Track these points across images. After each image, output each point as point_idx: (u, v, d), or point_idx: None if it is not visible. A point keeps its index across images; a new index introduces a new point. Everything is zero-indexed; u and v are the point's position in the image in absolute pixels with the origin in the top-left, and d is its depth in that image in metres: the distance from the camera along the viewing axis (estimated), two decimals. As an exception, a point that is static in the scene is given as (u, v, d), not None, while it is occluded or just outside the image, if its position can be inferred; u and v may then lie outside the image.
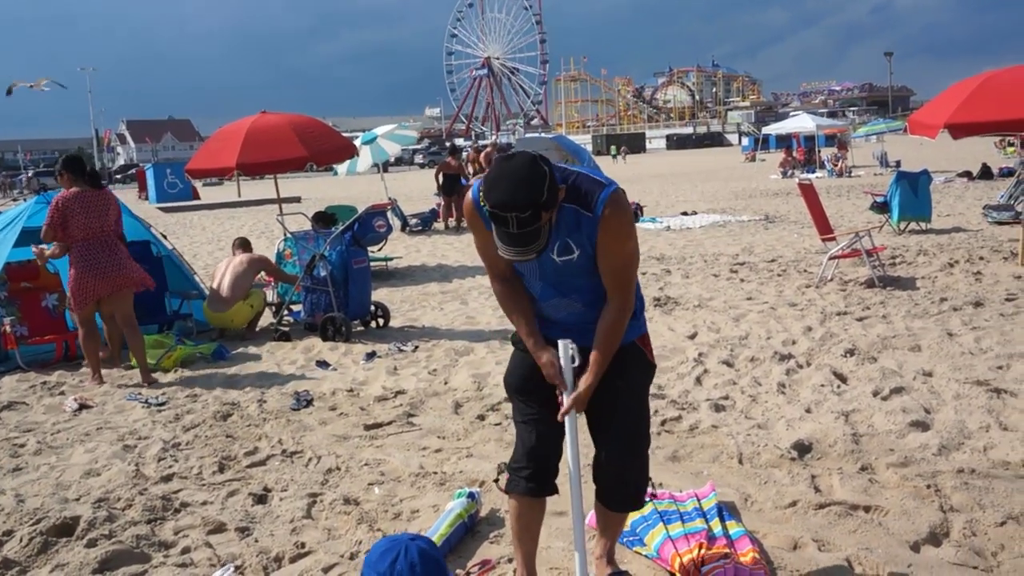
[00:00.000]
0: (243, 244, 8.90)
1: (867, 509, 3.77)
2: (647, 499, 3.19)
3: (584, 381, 2.80)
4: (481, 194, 2.56)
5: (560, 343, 2.81)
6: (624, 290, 2.78)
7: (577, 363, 2.81)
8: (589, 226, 2.66)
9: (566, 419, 2.83)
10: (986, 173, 22.66)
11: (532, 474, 2.91)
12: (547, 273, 2.80)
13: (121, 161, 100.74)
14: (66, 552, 3.73)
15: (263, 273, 9.71)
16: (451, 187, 17.43)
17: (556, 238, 2.69)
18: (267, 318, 8.81)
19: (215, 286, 8.19)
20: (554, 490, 2.98)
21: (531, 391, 2.93)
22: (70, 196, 6.49)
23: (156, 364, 7.06)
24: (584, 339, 2.82)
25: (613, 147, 64.33)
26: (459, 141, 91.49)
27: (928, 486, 3.94)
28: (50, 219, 6.43)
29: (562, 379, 2.81)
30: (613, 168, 21.75)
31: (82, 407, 6.09)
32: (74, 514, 4.04)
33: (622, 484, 2.97)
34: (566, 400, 2.81)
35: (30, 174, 59.88)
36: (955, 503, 3.79)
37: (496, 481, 3.04)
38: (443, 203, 18.57)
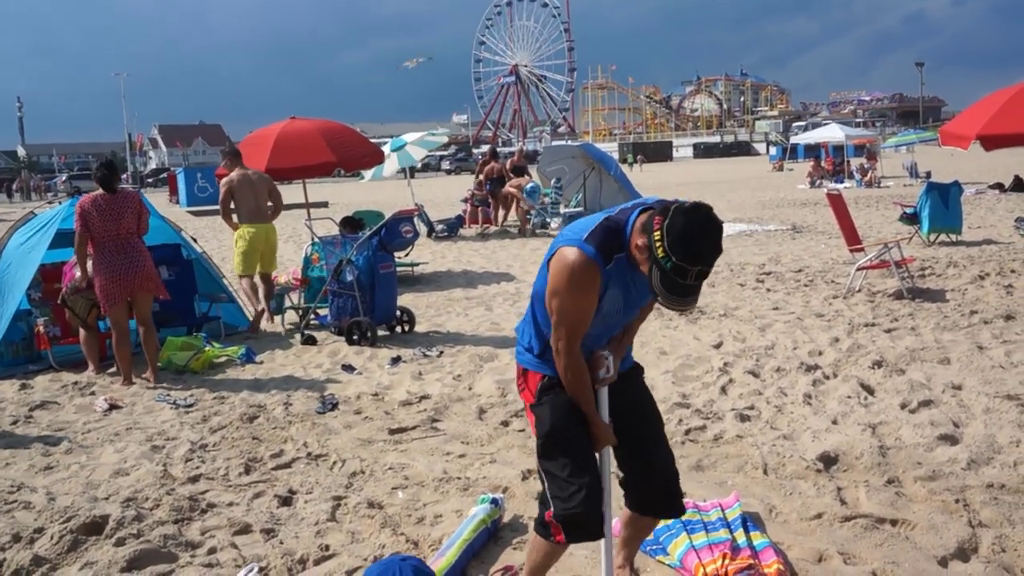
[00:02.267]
0: (236, 154, 8.87)
1: (894, 523, 3.74)
2: None
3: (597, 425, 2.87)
4: (664, 244, 2.47)
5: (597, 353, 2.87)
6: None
7: (611, 372, 2.87)
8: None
9: (603, 469, 2.91)
10: (1018, 185, 22.34)
11: (599, 524, 2.81)
12: (618, 321, 2.90)
13: (153, 165, 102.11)
14: (95, 550, 3.78)
15: (291, 277, 9.81)
16: (493, 189, 17.71)
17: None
18: (291, 318, 8.88)
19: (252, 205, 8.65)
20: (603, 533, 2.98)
21: (581, 429, 2.84)
22: (87, 200, 6.65)
23: (185, 366, 7.14)
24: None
25: (629, 155, 64.19)
26: (486, 148, 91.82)
27: (956, 500, 3.90)
28: (75, 223, 6.62)
29: (610, 438, 2.87)
30: (631, 176, 21.76)
31: (112, 407, 6.17)
32: (103, 513, 4.10)
33: (675, 488, 3.00)
34: (602, 406, 2.88)
35: (64, 177, 60.76)
36: (984, 518, 3.75)
37: (545, 532, 2.84)
38: (469, 209, 18.64)
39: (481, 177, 18.50)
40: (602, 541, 2.89)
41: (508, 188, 17.59)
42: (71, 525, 3.96)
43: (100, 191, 6.69)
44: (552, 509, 2.79)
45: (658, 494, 2.97)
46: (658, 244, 2.48)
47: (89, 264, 6.72)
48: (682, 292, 2.50)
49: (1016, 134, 8.76)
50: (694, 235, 2.45)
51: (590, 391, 2.83)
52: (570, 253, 2.64)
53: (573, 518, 2.75)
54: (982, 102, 9.45)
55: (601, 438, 2.84)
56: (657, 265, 2.49)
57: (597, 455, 2.89)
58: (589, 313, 2.70)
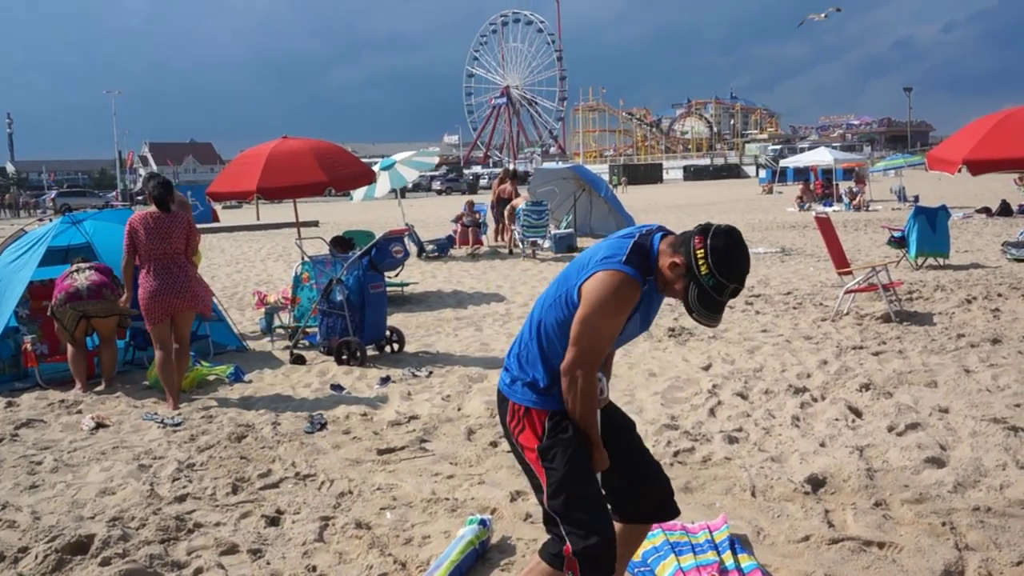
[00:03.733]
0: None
1: (881, 545, 3.75)
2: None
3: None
4: (709, 266, 2.62)
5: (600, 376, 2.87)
6: None
7: (605, 394, 2.88)
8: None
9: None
10: (1005, 210, 22.54)
11: (614, 558, 2.78)
12: (629, 337, 2.94)
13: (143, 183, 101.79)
14: (80, 570, 3.76)
15: (281, 296, 9.80)
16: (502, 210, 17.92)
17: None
18: (282, 341, 8.87)
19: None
20: None
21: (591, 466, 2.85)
22: (137, 217, 6.61)
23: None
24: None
25: (614, 177, 64.27)
26: (477, 168, 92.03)
27: (943, 524, 3.91)
28: (124, 240, 6.58)
29: (605, 463, 2.85)
30: (620, 198, 21.79)
31: (99, 426, 6.14)
32: (89, 532, 4.08)
33: (671, 490, 3.04)
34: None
35: (53, 195, 60.58)
36: (970, 541, 3.76)
37: (558, 564, 2.79)
38: (459, 229, 18.68)
39: (493, 198, 18.73)
40: None
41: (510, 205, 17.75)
42: (56, 544, 3.93)
43: (152, 209, 6.63)
44: (570, 545, 2.73)
45: (660, 496, 2.99)
46: (702, 263, 2.63)
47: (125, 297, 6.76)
48: (717, 308, 2.68)
49: (1002, 159, 8.84)
50: (735, 255, 2.65)
51: (597, 416, 2.82)
52: (615, 276, 2.67)
53: (593, 555, 2.71)
54: (969, 127, 9.54)
55: (600, 462, 2.83)
56: (696, 283, 2.64)
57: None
58: (616, 335, 2.75)
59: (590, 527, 2.72)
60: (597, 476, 2.85)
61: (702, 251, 2.63)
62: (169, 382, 6.62)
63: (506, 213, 17.69)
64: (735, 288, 2.66)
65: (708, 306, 2.66)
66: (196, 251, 6.89)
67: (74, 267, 7.32)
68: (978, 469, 4.59)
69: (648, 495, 2.98)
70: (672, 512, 3.04)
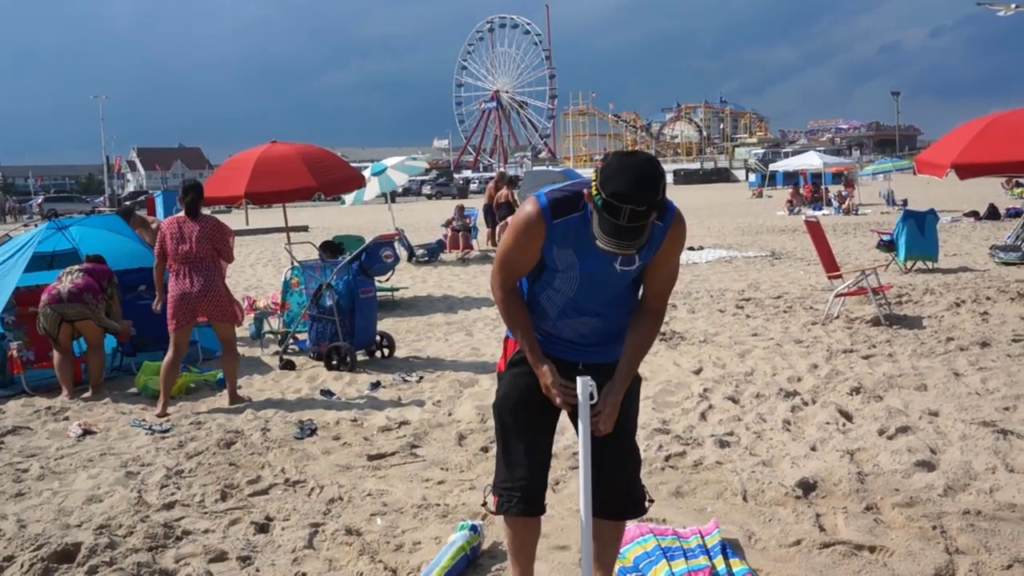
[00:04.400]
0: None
1: (872, 549, 3.75)
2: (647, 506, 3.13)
3: (612, 396, 2.84)
4: (597, 181, 2.57)
5: (579, 380, 2.81)
6: (667, 300, 2.99)
7: (596, 400, 2.82)
8: (658, 234, 2.77)
9: (580, 451, 2.84)
10: (993, 213, 22.65)
11: (524, 495, 2.96)
12: (593, 287, 2.86)
13: (131, 188, 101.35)
14: (66, 578, 3.71)
15: (270, 301, 9.76)
16: (505, 214, 17.84)
17: None
18: (272, 346, 8.83)
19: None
20: (544, 509, 3.05)
21: (526, 413, 2.97)
22: (167, 222, 6.78)
23: (161, 391, 7.06)
24: (587, 356, 2.95)
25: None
26: (467, 173, 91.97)
27: (934, 527, 3.91)
28: (156, 244, 6.76)
29: (557, 387, 2.84)
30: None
31: (86, 433, 6.09)
32: (75, 540, 4.04)
33: (630, 489, 3.00)
34: (582, 434, 2.82)
35: (40, 200, 60.24)
36: (961, 545, 3.76)
37: (484, 505, 3.08)
38: (449, 234, 18.66)
39: (488, 202, 18.71)
40: (583, 566, 2.87)
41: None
42: (42, 553, 3.89)
43: (183, 214, 6.69)
44: (493, 480, 3.06)
45: (622, 483, 2.98)
46: (594, 182, 2.59)
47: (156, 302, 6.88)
48: (616, 233, 2.54)
49: (990, 163, 8.88)
50: (624, 172, 2.54)
51: (524, 333, 2.89)
52: (528, 202, 2.81)
53: (502, 491, 2.99)
54: (957, 131, 9.59)
55: (544, 381, 2.86)
56: (595, 206, 2.57)
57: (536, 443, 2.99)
58: (521, 256, 2.84)
59: (504, 463, 3.00)
60: (531, 416, 2.95)
61: (596, 171, 2.60)
62: (167, 386, 6.63)
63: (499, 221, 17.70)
64: (632, 211, 2.49)
65: (606, 230, 2.54)
66: (231, 257, 6.93)
67: (67, 270, 7.29)
68: (968, 472, 4.60)
69: (610, 482, 2.94)
70: (635, 506, 3.00)
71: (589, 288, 2.86)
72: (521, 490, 2.95)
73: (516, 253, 2.86)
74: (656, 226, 2.73)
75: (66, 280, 7.13)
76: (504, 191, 18.56)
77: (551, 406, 2.92)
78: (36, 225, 8.19)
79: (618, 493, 2.98)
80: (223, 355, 6.89)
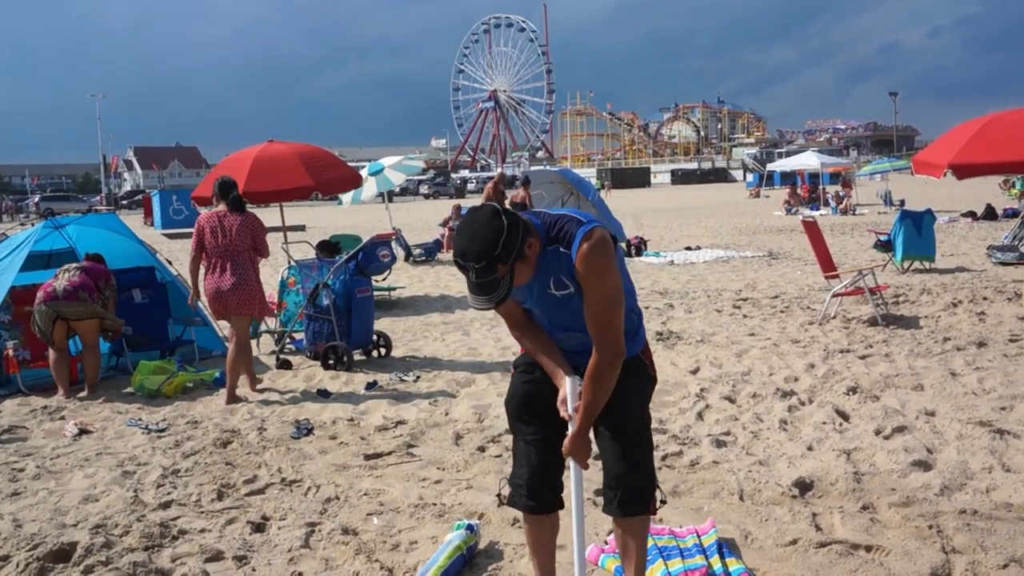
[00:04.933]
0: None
1: (868, 549, 3.75)
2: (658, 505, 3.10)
3: (573, 429, 2.88)
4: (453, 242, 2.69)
5: (568, 380, 2.87)
6: (608, 335, 2.81)
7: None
8: (568, 264, 2.77)
9: (573, 475, 2.92)
10: (990, 213, 22.68)
11: (532, 493, 3.01)
12: (549, 310, 2.92)
13: (128, 187, 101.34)
14: (62, 578, 3.71)
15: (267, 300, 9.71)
16: None
17: (548, 275, 2.81)
18: (269, 345, 8.82)
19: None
20: (558, 506, 3.07)
21: (532, 413, 3.04)
22: (205, 216, 6.99)
23: (157, 390, 7.06)
24: (583, 366, 2.93)
25: (596, 181, 64.17)
26: (464, 172, 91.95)
27: (930, 527, 3.91)
28: (192, 238, 6.98)
29: (563, 405, 2.91)
30: (607, 201, 21.56)
31: (82, 432, 6.08)
32: (71, 540, 4.03)
33: (627, 486, 2.95)
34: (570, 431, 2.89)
35: (37, 199, 60.17)
36: (957, 544, 3.76)
37: (499, 495, 3.17)
38: (447, 233, 18.65)
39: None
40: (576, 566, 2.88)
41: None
42: (38, 552, 3.88)
43: (222, 208, 6.91)
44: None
45: (613, 488, 2.97)
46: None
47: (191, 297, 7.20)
48: (470, 288, 2.67)
49: (987, 163, 8.88)
50: (463, 231, 2.65)
51: (543, 361, 2.97)
52: None
53: (512, 484, 3.06)
54: (954, 131, 9.59)
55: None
56: None
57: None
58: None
59: (514, 459, 3.09)
60: (535, 418, 3.00)
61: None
62: (234, 375, 6.88)
63: None
64: (472, 267, 2.59)
65: (468, 287, 2.66)
66: (266, 252, 7.13)
67: (64, 268, 7.28)
68: (964, 472, 4.60)
69: (609, 476, 2.96)
70: (634, 503, 2.96)
71: (551, 312, 2.93)
72: (527, 488, 3.01)
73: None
74: (565, 256, 2.76)
75: (63, 278, 7.12)
76: (520, 191, 18.54)
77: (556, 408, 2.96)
78: (33, 224, 8.18)
79: (616, 487, 2.97)
80: (232, 351, 6.85)
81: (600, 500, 3.32)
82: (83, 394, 7.14)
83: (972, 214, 23.08)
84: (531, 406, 3.04)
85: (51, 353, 7.15)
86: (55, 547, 3.94)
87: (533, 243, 2.69)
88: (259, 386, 7.22)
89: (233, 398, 6.81)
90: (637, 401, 3.03)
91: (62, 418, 6.51)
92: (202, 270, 6.96)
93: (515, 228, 2.63)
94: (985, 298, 10.23)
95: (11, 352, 7.30)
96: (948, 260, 14.15)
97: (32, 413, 6.65)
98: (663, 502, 3.11)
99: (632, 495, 2.96)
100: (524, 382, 3.08)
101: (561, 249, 2.76)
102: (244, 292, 6.81)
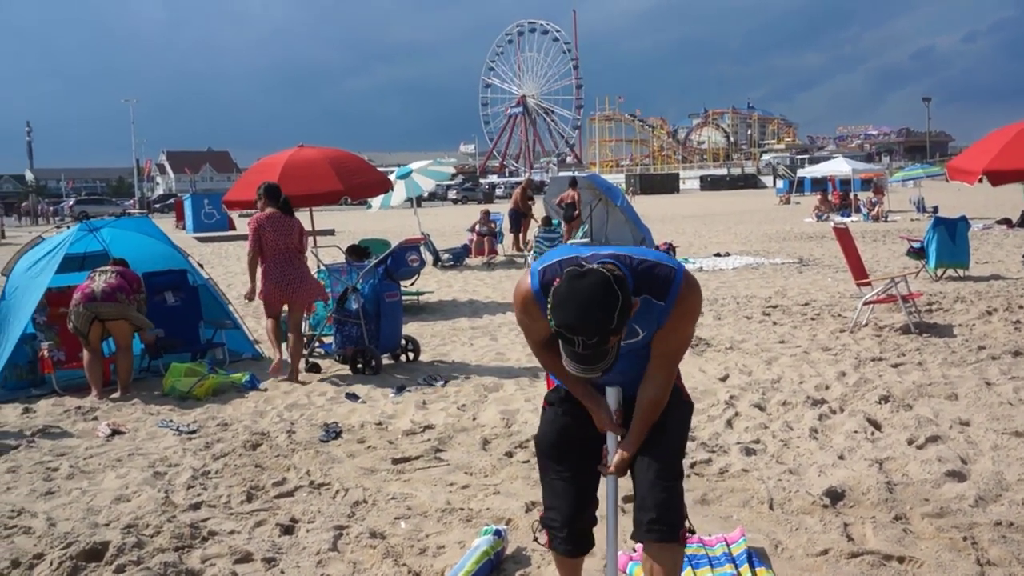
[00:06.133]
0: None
1: (901, 560, 3.70)
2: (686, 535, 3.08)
3: (621, 452, 2.85)
4: (549, 307, 2.50)
5: (608, 390, 2.86)
6: (673, 367, 2.84)
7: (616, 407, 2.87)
8: (660, 314, 2.70)
9: (608, 479, 2.88)
10: (1026, 221, 22.34)
11: (569, 537, 2.94)
12: None
13: (160, 191, 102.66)
14: (94, 577, 3.75)
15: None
16: (569, 215, 18.02)
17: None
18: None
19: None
20: (591, 545, 3.02)
21: (564, 452, 2.95)
22: (263, 216, 7.50)
23: (188, 392, 7.13)
24: (630, 389, 2.89)
25: (621, 187, 64.03)
26: (492, 178, 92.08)
27: (964, 538, 3.85)
28: (249, 236, 7.47)
29: (613, 424, 2.86)
30: (635, 206, 21.40)
31: (115, 433, 6.15)
32: (103, 539, 4.08)
33: (662, 512, 2.88)
34: (611, 455, 2.85)
35: (71, 202, 61.06)
36: (992, 557, 3.70)
37: (536, 539, 3.12)
38: (475, 239, 18.68)
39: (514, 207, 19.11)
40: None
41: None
42: (71, 551, 3.93)
43: (272, 210, 7.49)
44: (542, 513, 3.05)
45: (642, 515, 2.90)
46: (549, 306, 2.49)
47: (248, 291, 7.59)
48: (577, 359, 2.48)
49: (1023, 169, 8.76)
50: (570, 302, 2.43)
51: (572, 385, 2.90)
52: (525, 277, 2.81)
53: (548, 527, 2.98)
54: (989, 137, 9.47)
55: (598, 421, 2.90)
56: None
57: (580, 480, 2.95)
58: (533, 324, 2.81)
59: (547, 499, 3.00)
60: (570, 456, 2.93)
61: (550, 295, 2.50)
62: (276, 344, 7.64)
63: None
64: (578, 339, 2.41)
65: (568, 354, 2.48)
66: (306, 249, 7.77)
67: (99, 269, 7.38)
68: (1000, 483, 4.53)
69: (640, 503, 2.91)
70: (660, 531, 2.87)
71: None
72: (567, 532, 2.93)
73: (527, 322, 2.84)
74: (657, 306, 2.67)
75: (99, 280, 7.21)
76: (570, 191, 18.58)
77: (591, 446, 2.92)
78: (68, 227, 8.29)
79: (651, 512, 2.92)
80: (293, 338, 7.64)
81: (628, 507, 3.27)
82: (116, 395, 7.23)
83: (1007, 221, 22.74)
84: (565, 444, 2.95)
85: (85, 354, 7.25)
86: (87, 546, 3.99)
87: (636, 303, 2.58)
88: (286, 388, 7.28)
89: (297, 378, 7.59)
90: (676, 428, 2.97)
91: (95, 419, 6.60)
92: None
93: (628, 299, 2.47)
94: (1021, 306, 10.07)
95: (46, 353, 7.41)
96: (982, 268, 13.95)
97: (66, 413, 6.74)
98: (691, 532, 3.06)
99: (669, 520, 2.90)
100: (559, 416, 2.98)
101: (654, 300, 2.66)
102: (308, 287, 7.61)
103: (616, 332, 2.45)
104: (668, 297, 2.66)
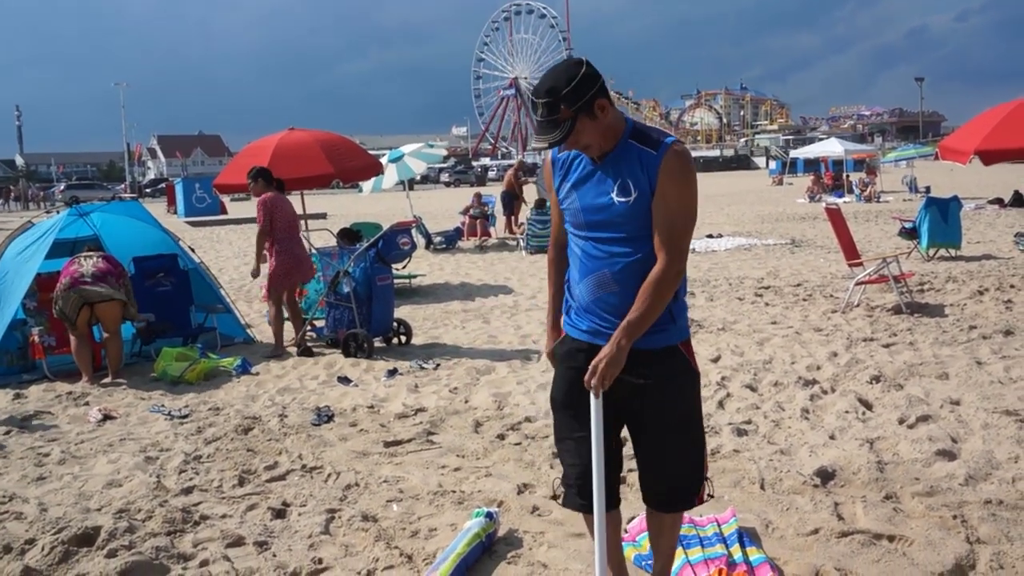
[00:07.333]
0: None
1: (891, 539, 3.72)
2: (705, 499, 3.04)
3: (608, 347, 2.70)
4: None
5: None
6: (676, 245, 2.72)
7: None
8: (651, 165, 2.70)
9: (591, 424, 2.75)
10: (1018, 200, 22.37)
11: (583, 491, 2.90)
12: (594, 222, 2.78)
13: (151, 175, 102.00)
14: (86, 562, 3.75)
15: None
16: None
17: (619, 173, 2.74)
18: (289, 332, 8.85)
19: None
20: (615, 504, 3.02)
21: (577, 405, 2.85)
22: (272, 197, 7.81)
23: (180, 376, 7.11)
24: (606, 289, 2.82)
25: None
26: (485, 160, 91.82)
27: (954, 517, 3.87)
28: (261, 217, 7.75)
29: (550, 341, 3.09)
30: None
31: (106, 418, 6.14)
32: (95, 524, 4.07)
33: (668, 483, 2.93)
34: (593, 409, 2.75)
35: (62, 187, 60.71)
36: (982, 535, 3.72)
37: (554, 496, 3.24)
38: (467, 221, 18.65)
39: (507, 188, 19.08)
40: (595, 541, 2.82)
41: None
42: (62, 536, 3.92)
43: (276, 193, 7.85)
44: None
45: (653, 487, 2.97)
46: None
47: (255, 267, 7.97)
48: (534, 129, 2.81)
49: (1015, 149, 8.77)
50: (545, 73, 2.73)
51: (551, 291, 3.10)
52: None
53: (565, 483, 3.01)
54: (981, 117, 9.47)
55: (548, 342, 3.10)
56: None
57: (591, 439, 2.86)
58: (554, 212, 3.03)
59: (561, 459, 3.05)
60: (578, 415, 2.86)
61: None
62: (278, 332, 8.04)
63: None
64: (539, 103, 2.68)
65: (533, 125, 2.83)
66: (298, 233, 8.07)
67: (82, 254, 7.32)
68: (990, 462, 4.55)
69: (647, 473, 2.97)
70: (672, 501, 2.97)
71: (599, 225, 2.77)
72: (577, 487, 2.93)
73: (550, 196, 3.02)
74: (648, 155, 2.71)
75: (87, 264, 7.17)
76: None
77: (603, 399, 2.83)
78: (58, 212, 8.24)
79: (655, 485, 2.95)
80: (293, 316, 8.13)
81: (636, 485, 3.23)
82: (106, 380, 7.21)
83: (999, 201, 22.78)
84: (571, 403, 2.90)
85: (72, 339, 7.21)
86: (79, 531, 3.98)
87: (606, 105, 2.68)
88: (278, 372, 7.27)
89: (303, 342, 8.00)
90: (681, 394, 2.88)
91: (86, 404, 6.58)
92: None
93: (590, 80, 2.66)
94: (1012, 286, 10.10)
95: (36, 338, 7.38)
96: (974, 248, 13.98)
97: (57, 399, 6.72)
98: (710, 496, 3.01)
99: (673, 493, 2.95)
100: (568, 369, 2.94)
101: (645, 148, 2.72)
102: (309, 263, 8.10)
103: (567, 102, 2.63)
104: (659, 149, 2.71)
